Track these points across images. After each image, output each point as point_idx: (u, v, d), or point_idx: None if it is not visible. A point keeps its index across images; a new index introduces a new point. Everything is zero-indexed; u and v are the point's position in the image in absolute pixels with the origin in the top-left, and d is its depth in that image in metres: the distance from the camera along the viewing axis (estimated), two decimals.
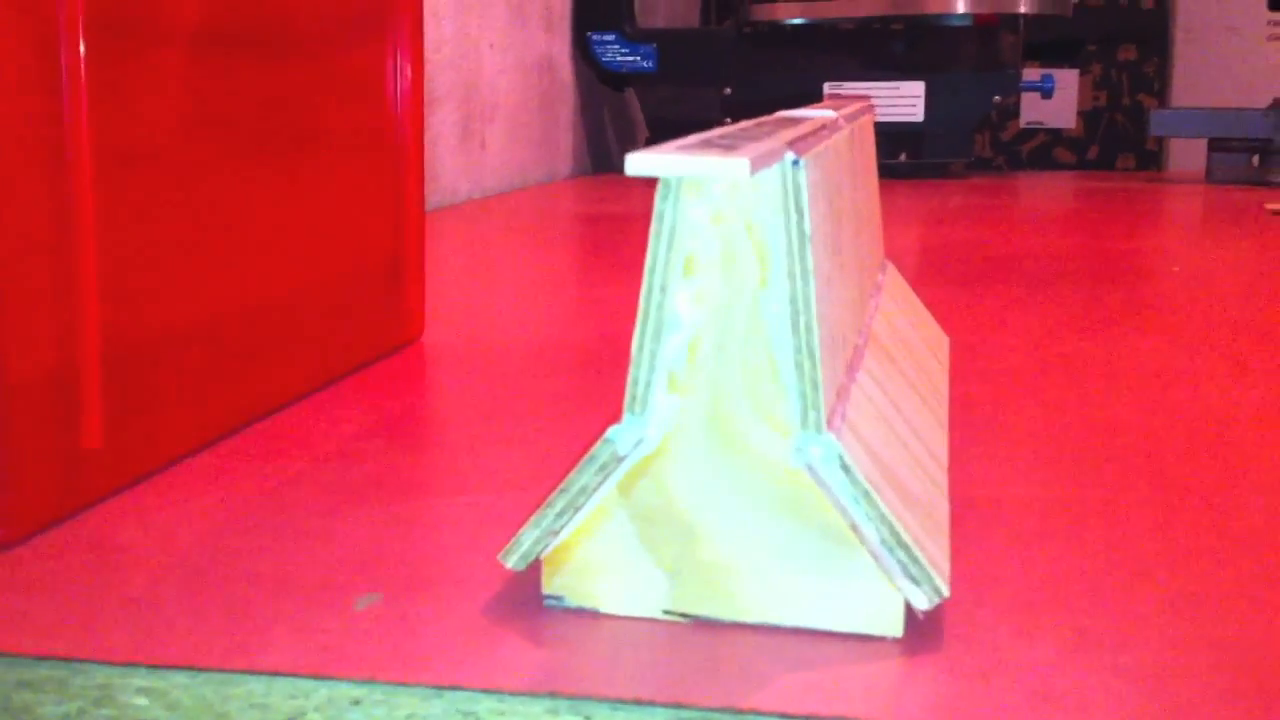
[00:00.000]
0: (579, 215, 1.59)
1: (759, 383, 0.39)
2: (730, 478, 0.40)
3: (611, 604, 0.41)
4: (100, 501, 0.51)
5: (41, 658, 0.38)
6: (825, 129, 0.50)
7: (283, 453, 0.58)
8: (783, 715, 0.35)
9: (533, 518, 0.40)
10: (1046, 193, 1.98)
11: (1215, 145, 2.06)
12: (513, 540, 0.41)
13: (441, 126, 1.65)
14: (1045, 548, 0.47)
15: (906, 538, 0.38)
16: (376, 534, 0.48)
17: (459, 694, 0.36)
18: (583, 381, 0.71)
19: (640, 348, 0.39)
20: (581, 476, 0.40)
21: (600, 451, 0.40)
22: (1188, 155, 2.67)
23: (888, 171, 2.15)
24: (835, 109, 0.63)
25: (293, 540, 0.47)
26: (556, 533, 0.40)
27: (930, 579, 0.38)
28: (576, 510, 0.40)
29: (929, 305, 0.95)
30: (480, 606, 0.41)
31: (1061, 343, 0.83)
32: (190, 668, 0.37)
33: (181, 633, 0.39)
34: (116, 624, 0.40)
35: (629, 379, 0.40)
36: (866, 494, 0.38)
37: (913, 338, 0.66)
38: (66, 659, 0.38)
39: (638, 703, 0.35)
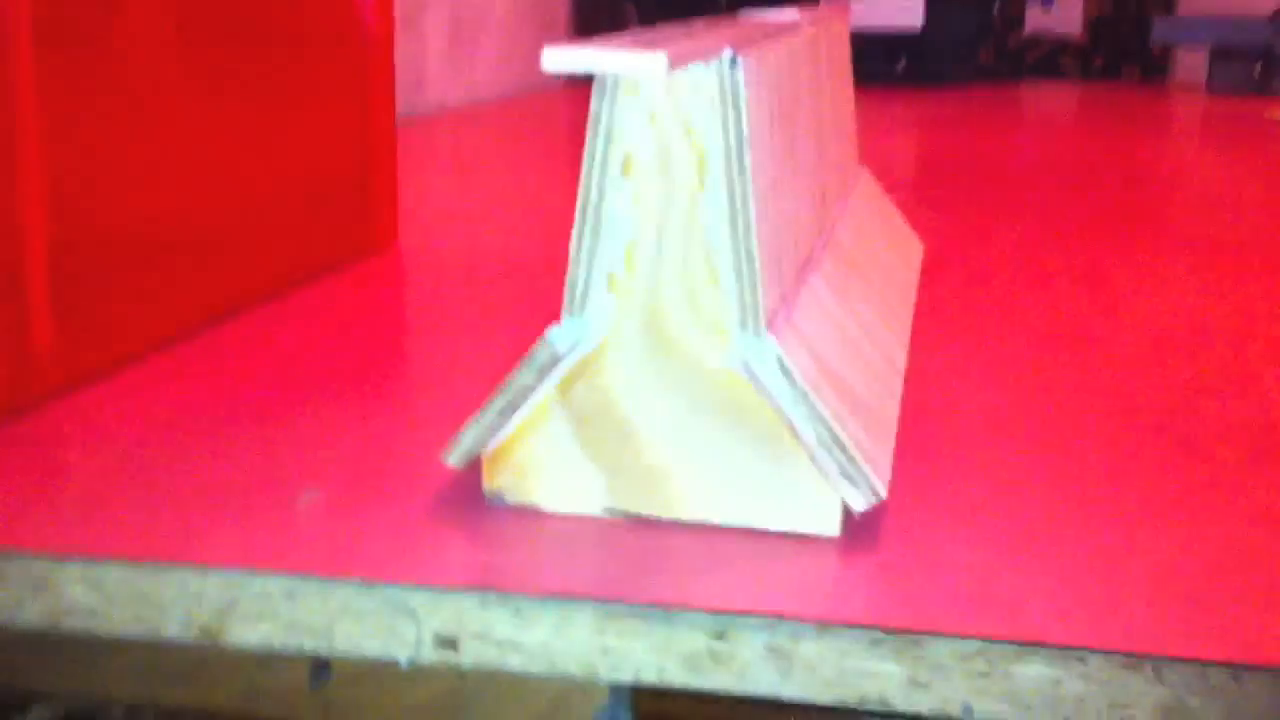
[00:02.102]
0: (571, 124, 1.58)
1: (697, 285, 0.39)
2: (668, 379, 0.40)
3: (551, 502, 0.41)
4: (50, 399, 0.51)
5: None
6: (782, 31, 0.50)
7: (239, 355, 0.58)
8: (712, 611, 0.35)
9: (473, 416, 0.40)
10: (1046, 102, 1.96)
11: (1217, 54, 2.03)
12: (454, 438, 0.41)
13: (430, 31, 1.64)
14: (994, 454, 0.47)
15: (845, 438, 0.39)
16: (326, 433, 0.48)
17: (393, 589, 0.36)
18: (554, 288, 0.71)
19: (578, 249, 0.39)
20: (521, 376, 0.40)
21: (539, 352, 0.40)
22: (1194, 66, 2.64)
23: (886, 78, 2.13)
24: (806, 12, 0.63)
25: (240, 439, 0.47)
26: (496, 430, 0.40)
27: (868, 480, 0.39)
28: (515, 409, 0.40)
29: (909, 214, 0.95)
30: (423, 504, 0.42)
31: (1040, 252, 0.83)
32: (126, 559, 0.38)
33: (120, 526, 0.40)
34: (57, 516, 0.40)
35: (567, 280, 0.40)
36: (804, 395, 0.38)
37: (880, 245, 0.66)
38: (4, 549, 0.38)
39: (567, 597, 0.36)
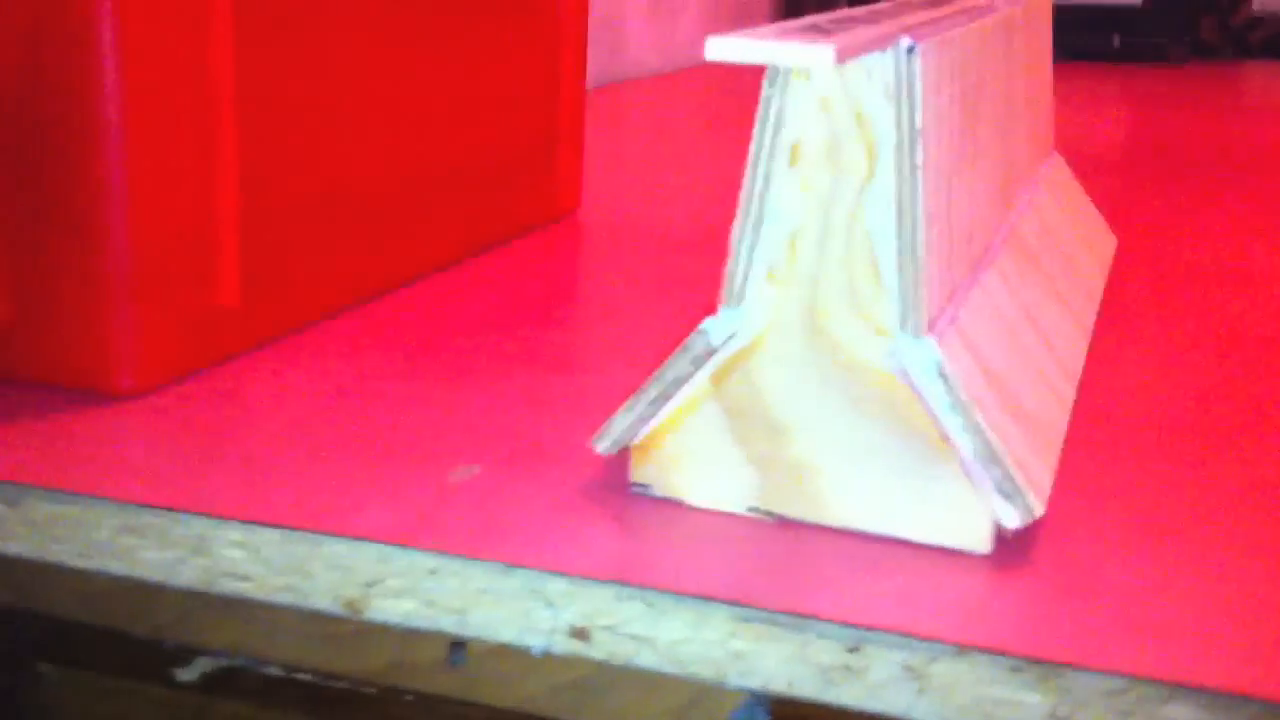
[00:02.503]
0: None
1: (859, 281, 0.38)
2: (824, 376, 0.39)
3: (697, 496, 0.40)
4: (231, 359, 0.53)
5: (147, 505, 0.40)
6: (968, 13, 0.48)
7: (417, 321, 0.59)
8: (848, 624, 0.34)
9: (625, 404, 0.40)
10: (1272, 85, 1.86)
11: None
12: (605, 425, 0.40)
13: None
14: (1168, 471, 0.45)
15: (1002, 452, 0.37)
16: (492, 406, 0.48)
17: (531, 573, 0.36)
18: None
19: (740, 238, 0.38)
20: (675, 366, 0.39)
21: (694, 342, 0.39)
22: None
23: (1099, 56, 2.04)
24: None
25: (408, 408, 0.48)
26: (647, 420, 0.40)
27: (1024, 496, 0.37)
28: (668, 399, 0.40)
29: (1105, 202, 0.91)
30: (571, 488, 0.42)
31: (1247, 251, 0.78)
32: (283, 525, 0.39)
33: (281, 491, 0.41)
34: (222, 478, 0.42)
35: (726, 270, 0.39)
36: (963, 404, 0.37)
37: (1068, 238, 0.63)
38: (170, 508, 0.40)
39: (703, 597, 0.35)
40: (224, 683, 0.38)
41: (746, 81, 1.66)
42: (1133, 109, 1.49)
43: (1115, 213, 0.88)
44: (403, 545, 0.38)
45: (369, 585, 0.37)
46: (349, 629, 0.36)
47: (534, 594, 0.36)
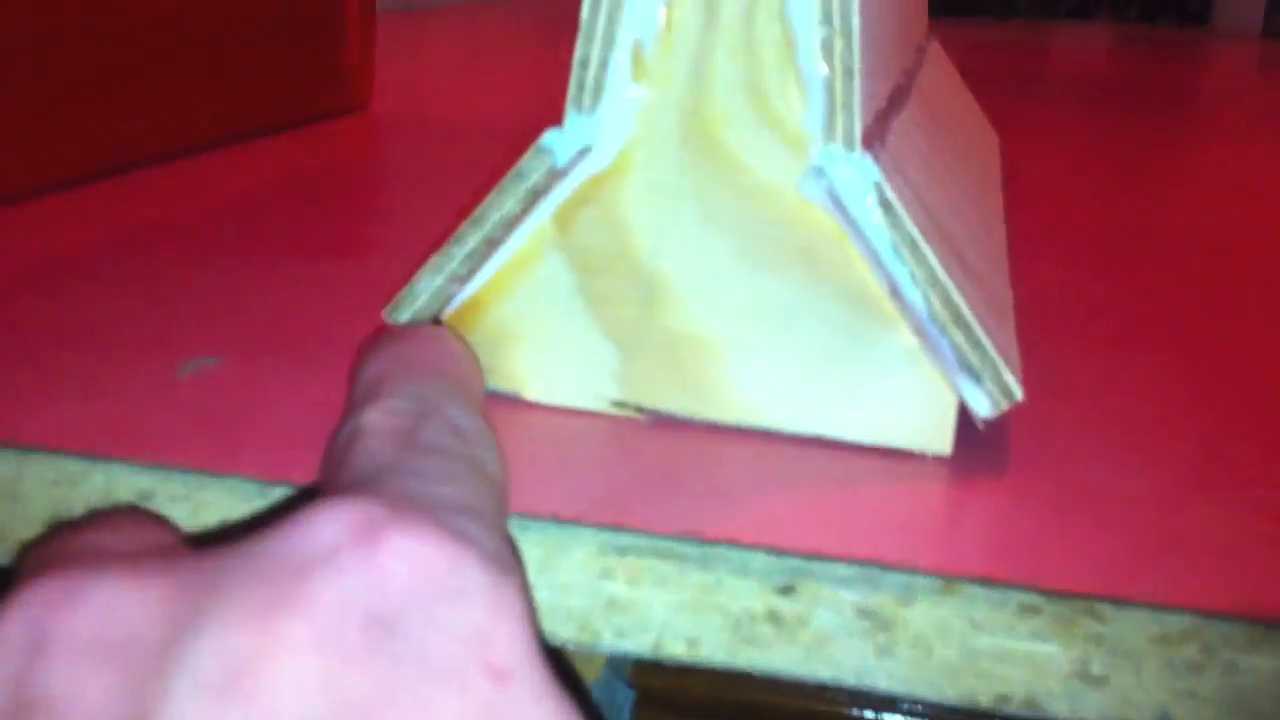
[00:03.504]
0: None
1: (765, 67, 0.26)
2: (715, 211, 0.27)
3: (539, 388, 0.29)
4: None
5: None
6: None
7: (167, 198, 0.45)
8: (776, 552, 0.23)
9: (432, 259, 0.28)
10: (1088, 39, 1.83)
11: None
12: (404, 290, 0.28)
13: None
14: (1130, 360, 0.35)
15: (966, 311, 0.26)
16: (245, 290, 0.35)
17: (292, 492, 0.24)
18: None
19: (593, 10, 0.27)
20: (503, 201, 0.27)
21: (530, 166, 0.27)
22: (1234, 16, 2.50)
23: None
24: None
25: (141, 292, 0.35)
26: (464, 281, 0.28)
27: (997, 373, 0.26)
28: (494, 249, 0.28)
29: None
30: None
31: (1125, 152, 0.70)
32: None
33: None
34: None
35: (575, 59, 0.27)
36: (913, 244, 0.26)
37: (962, 113, 0.53)
38: None
39: (556, 520, 0.23)
40: None
41: (555, 9, 1.54)
42: (961, 50, 1.42)
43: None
44: (100, 458, 0.25)
45: (50, 521, 0.25)
46: None
47: None
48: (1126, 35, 1.88)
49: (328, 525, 0.17)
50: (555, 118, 0.27)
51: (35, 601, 0.16)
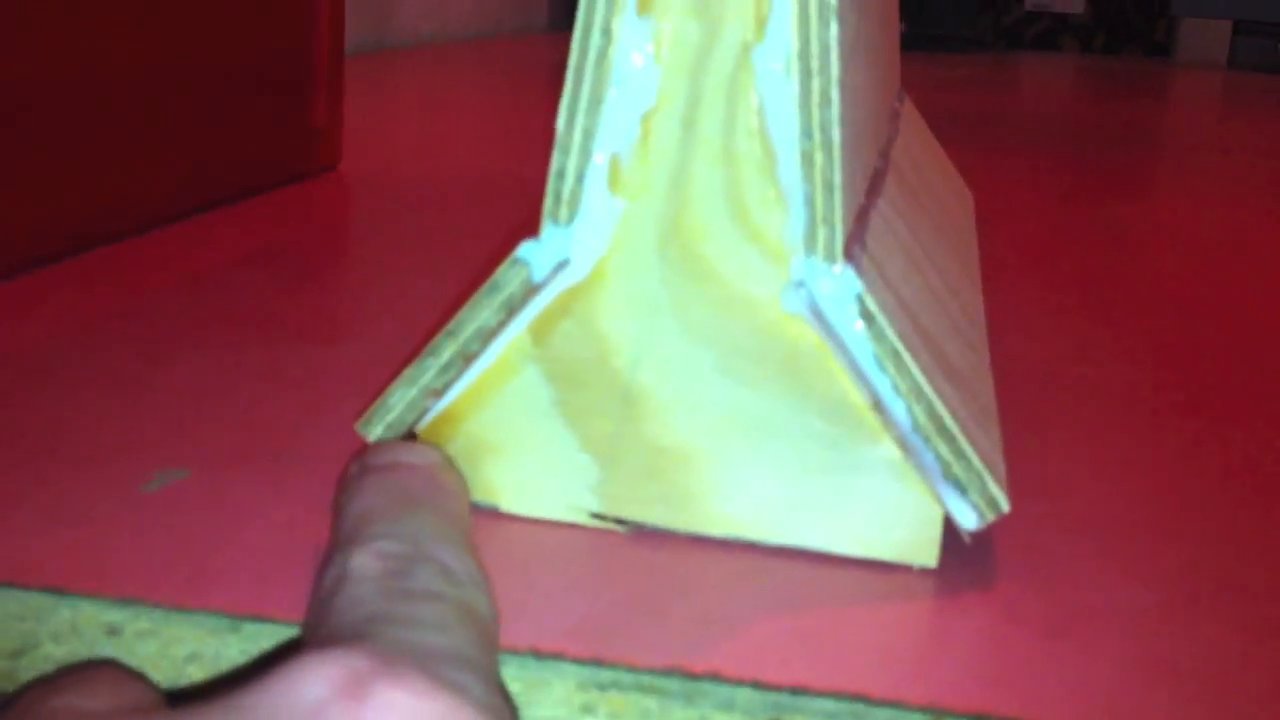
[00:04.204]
0: (551, 65, 1.44)
1: (744, 181, 0.26)
2: (694, 324, 0.27)
3: (516, 501, 0.28)
4: None
5: None
6: None
7: (127, 277, 0.45)
8: (759, 686, 0.22)
9: (407, 371, 0.28)
10: (1054, 71, 1.84)
11: (1240, 28, 1.91)
12: (377, 402, 0.28)
13: None
14: (1112, 450, 0.35)
15: (950, 422, 0.26)
16: (212, 387, 0.35)
17: (263, 628, 0.23)
18: (523, 214, 0.58)
19: (569, 124, 0.26)
20: (478, 313, 0.27)
21: (507, 277, 0.27)
22: (1196, 45, 2.53)
23: None
24: None
25: (103, 392, 0.34)
26: (439, 394, 0.27)
27: (983, 485, 0.26)
28: (469, 362, 0.27)
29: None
30: (324, 497, 0.29)
31: (1095, 205, 0.70)
32: None
33: None
34: None
35: (551, 170, 0.27)
36: (895, 355, 0.26)
37: (936, 179, 0.53)
38: None
39: (535, 655, 0.23)
40: None
41: (526, 52, 1.54)
42: (929, 89, 1.43)
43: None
44: (66, 593, 0.24)
45: (15, 655, 0.24)
46: None
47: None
48: (1093, 67, 1.89)
49: (314, 680, 0.16)
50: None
51: None
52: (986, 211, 0.66)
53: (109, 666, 0.22)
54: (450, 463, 0.25)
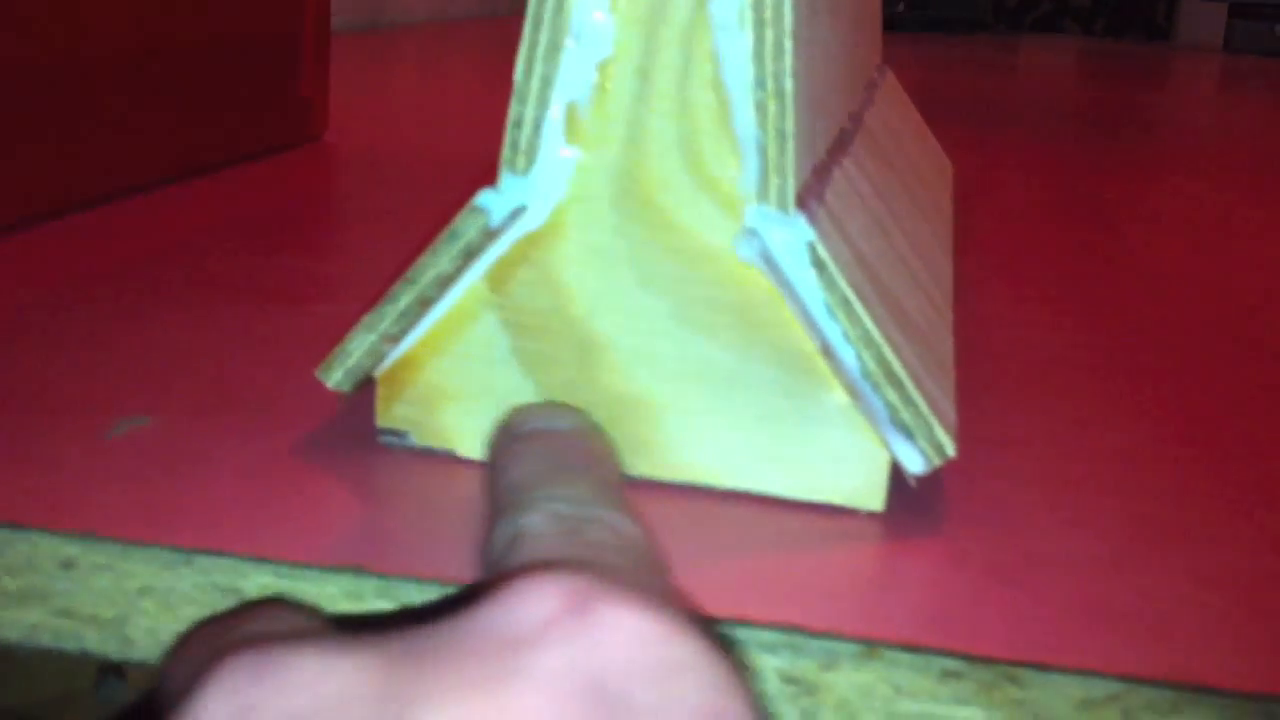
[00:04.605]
0: None
1: (700, 130, 0.26)
2: (650, 271, 0.27)
3: (473, 445, 0.29)
4: None
5: None
6: None
7: (106, 243, 0.45)
8: (703, 619, 0.23)
9: (366, 317, 0.28)
10: (1054, 53, 1.84)
11: (1236, 11, 1.91)
12: (337, 349, 0.28)
13: None
14: (1070, 406, 0.35)
15: (899, 369, 0.26)
16: (184, 343, 0.35)
17: (215, 561, 0.24)
18: None
19: (527, 73, 0.27)
20: (436, 260, 0.27)
21: (464, 225, 0.27)
22: (1197, 29, 2.53)
23: (885, 23, 2.00)
24: None
25: (75, 348, 0.35)
26: (397, 339, 0.28)
27: (930, 430, 0.26)
28: (427, 309, 0.28)
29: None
30: (286, 441, 0.29)
31: (1080, 181, 0.71)
32: None
33: None
34: None
35: (509, 120, 0.27)
36: (846, 303, 0.26)
37: (913, 149, 0.53)
38: None
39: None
40: None
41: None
42: (925, 69, 1.43)
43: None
44: (22, 527, 0.25)
45: None
46: None
47: (226, 593, 0.24)
48: (1092, 50, 1.89)
49: (539, 598, 0.16)
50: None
51: (237, 678, 0.15)
52: (967, 185, 0.67)
53: (278, 600, 0.23)
54: (596, 427, 0.25)
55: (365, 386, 0.29)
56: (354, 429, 0.30)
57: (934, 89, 1.19)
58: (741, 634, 0.23)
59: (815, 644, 0.22)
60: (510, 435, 0.25)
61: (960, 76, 1.34)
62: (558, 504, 0.21)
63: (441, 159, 0.66)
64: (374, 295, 0.40)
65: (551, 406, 0.26)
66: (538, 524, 0.20)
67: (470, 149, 0.68)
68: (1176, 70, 1.62)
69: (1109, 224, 0.60)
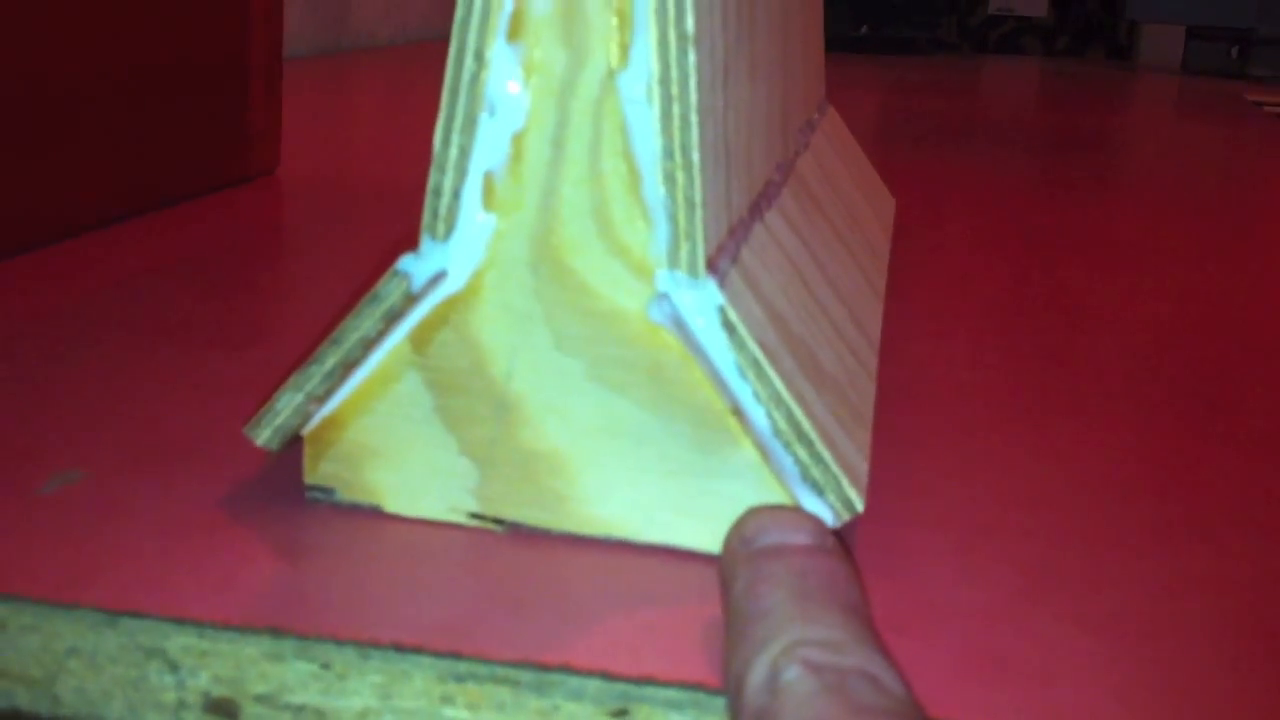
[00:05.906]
0: None
1: (611, 198, 0.27)
2: (565, 332, 0.28)
3: (398, 501, 0.29)
4: None
5: None
6: None
7: (44, 285, 0.46)
8: (612, 677, 0.24)
9: (293, 377, 0.29)
10: (1014, 74, 1.86)
11: (1193, 33, 1.94)
12: (265, 407, 0.29)
13: None
14: (984, 449, 0.36)
15: (809, 428, 0.27)
16: (121, 391, 0.36)
17: (145, 623, 0.25)
18: None
19: (445, 143, 0.28)
20: (360, 323, 0.28)
21: (386, 289, 0.28)
22: (1159, 49, 2.56)
23: (849, 45, 2.02)
24: None
25: (5, 397, 0.35)
26: (322, 400, 0.29)
27: (839, 486, 0.27)
28: (351, 370, 0.29)
29: (878, 170, 0.83)
30: (214, 495, 0.30)
31: (1025, 211, 0.72)
32: None
33: None
34: None
35: (428, 188, 0.28)
36: (755, 364, 0.27)
37: (850, 190, 0.55)
38: None
39: (398, 649, 0.24)
40: None
41: None
42: (882, 91, 1.44)
43: (887, 178, 0.81)
44: None
45: None
46: None
47: (150, 654, 0.25)
48: (1052, 70, 1.92)
49: None
50: None
51: None
52: (911, 218, 0.68)
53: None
54: (835, 541, 0.25)
55: (294, 441, 0.29)
56: (282, 481, 0.30)
57: (892, 112, 1.21)
58: (647, 693, 0.24)
59: (718, 701, 0.23)
60: (748, 545, 0.24)
61: (918, 100, 1.36)
62: (811, 650, 0.21)
63: (395, 189, 0.67)
64: (313, 338, 0.41)
65: (789, 515, 0.25)
66: (797, 679, 0.20)
67: (424, 179, 0.69)
68: (1134, 92, 1.65)
69: (1048, 256, 0.61)
